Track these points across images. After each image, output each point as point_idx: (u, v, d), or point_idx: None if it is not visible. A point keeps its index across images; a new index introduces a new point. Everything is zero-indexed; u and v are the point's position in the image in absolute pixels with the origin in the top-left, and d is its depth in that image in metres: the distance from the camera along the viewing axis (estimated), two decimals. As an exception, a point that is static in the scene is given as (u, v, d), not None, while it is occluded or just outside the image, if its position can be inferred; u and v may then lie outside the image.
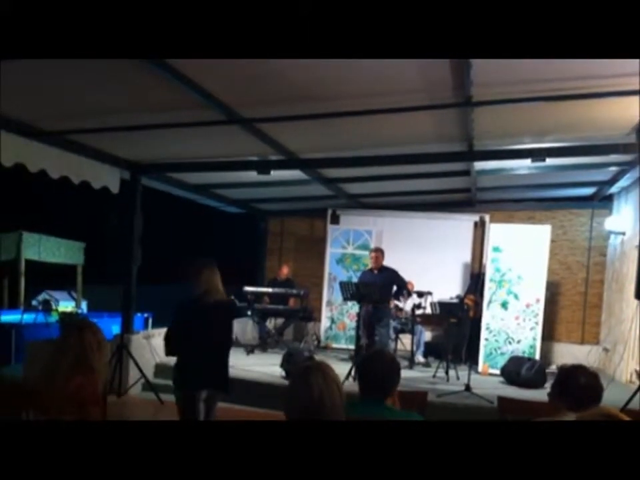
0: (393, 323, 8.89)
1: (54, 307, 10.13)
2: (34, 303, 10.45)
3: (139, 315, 9.56)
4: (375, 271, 8.35)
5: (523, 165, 7.29)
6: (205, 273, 4.30)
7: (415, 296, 8.59)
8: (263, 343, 9.52)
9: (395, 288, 8.36)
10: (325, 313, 10.50)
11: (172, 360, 8.06)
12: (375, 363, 2.70)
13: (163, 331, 8.22)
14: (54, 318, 9.54)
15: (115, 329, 7.83)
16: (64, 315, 9.29)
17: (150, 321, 10.42)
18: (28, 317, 9.92)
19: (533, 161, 6.26)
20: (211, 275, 4.32)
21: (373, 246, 10.05)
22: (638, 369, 7.37)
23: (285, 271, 10.38)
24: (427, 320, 9.17)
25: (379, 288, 7.75)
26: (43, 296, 10.51)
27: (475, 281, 9.21)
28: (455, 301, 9.10)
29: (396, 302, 8.73)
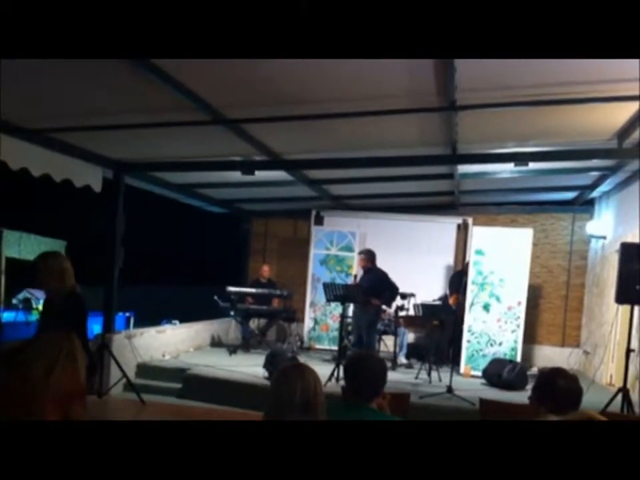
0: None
1: (34, 306, 10.03)
2: (14, 301, 10.34)
3: (120, 314, 9.50)
4: (362, 272, 8.42)
5: (505, 169, 7.35)
6: (57, 267, 4.17)
7: (398, 297, 8.62)
8: (246, 344, 9.51)
9: (385, 293, 8.37)
10: (309, 314, 10.51)
11: (153, 360, 8.08)
12: (363, 364, 2.70)
13: (145, 330, 8.27)
14: (34, 317, 9.44)
15: (97, 328, 7.77)
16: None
17: (132, 320, 10.37)
18: (8, 316, 9.82)
19: (515, 165, 6.31)
20: (63, 268, 4.20)
21: (356, 247, 10.12)
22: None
23: (266, 269, 10.38)
24: (409, 322, 9.21)
25: (362, 289, 7.78)
26: (23, 294, 10.39)
27: (459, 278, 9.22)
28: (438, 303, 9.15)
29: (383, 306, 8.71)
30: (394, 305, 8.74)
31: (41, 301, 10.69)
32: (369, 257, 8.48)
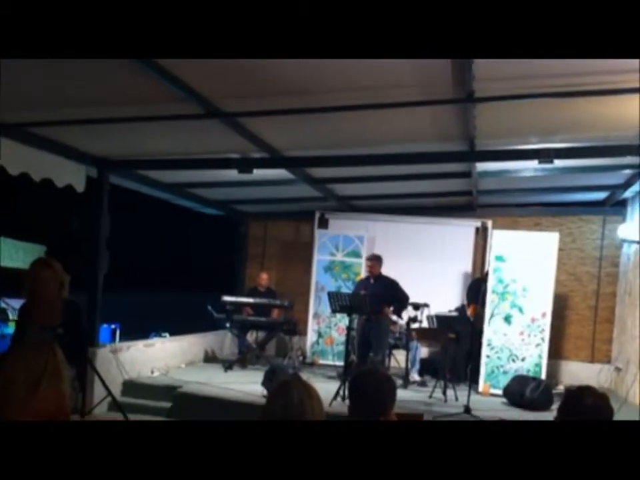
0: (385, 338, 8.91)
1: (11, 317, 10.04)
2: (-12, 312, 10.36)
3: (105, 326, 9.52)
4: (372, 280, 8.43)
5: (528, 167, 7.33)
6: (59, 275, 4.21)
7: (410, 308, 8.61)
8: (243, 359, 9.51)
9: (395, 302, 8.39)
10: (311, 326, 10.51)
11: (141, 376, 8.11)
12: (367, 381, 2.71)
13: (131, 343, 8.29)
14: (10, 329, 9.46)
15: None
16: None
17: (117, 332, 10.38)
18: (-18, 328, 9.84)
19: (539, 162, 6.30)
20: (64, 276, 4.25)
21: (364, 253, 10.10)
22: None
23: (264, 277, 10.38)
24: (423, 335, 9.18)
25: (370, 298, 7.79)
26: (-2, 304, 10.42)
27: (477, 287, 9.20)
28: (454, 314, 9.14)
29: (394, 317, 8.71)
30: (405, 316, 8.73)
31: (16, 311, 10.72)
32: (379, 262, 8.50)
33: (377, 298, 7.96)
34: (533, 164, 6.61)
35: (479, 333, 8.52)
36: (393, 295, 8.37)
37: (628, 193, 9.28)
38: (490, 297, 8.54)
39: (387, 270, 8.65)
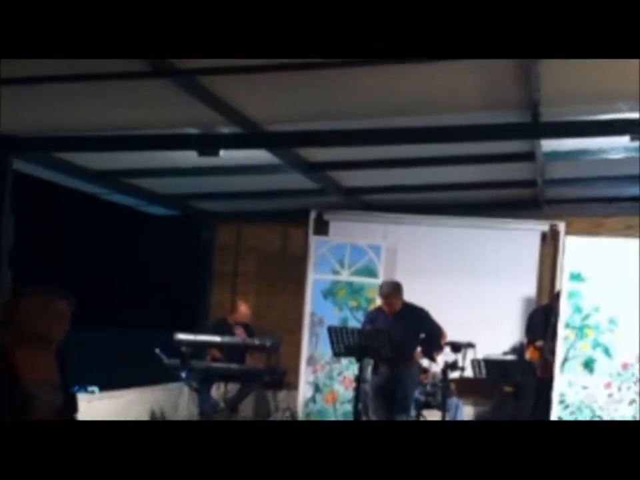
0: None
1: None
2: None
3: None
4: (390, 316, 8.41)
5: (616, 145, 7.36)
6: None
7: (447, 350, 8.62)
8: (206, 424, 9.52)
9: (422, 338, 8.42)
10: (305, 376, 10.51)
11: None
12: None
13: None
14: None
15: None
16: None
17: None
18: None
19: (632, 138, 6.33)
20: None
21: (381, 270, 10.07)
22: None
23: (244, 310, 10.36)
24: (466, 388, 9.21)
25: (392, 337, 7.78)
26: None
27: (543, 318, 9.22)
28: (511, 358, 9.15)
29: (427, 359, 8.73)
30: (441, 362, 8.74)
31: None
32: (399, 294, 8.48)
33: (401, 338, 7.96)
34: (623, 141, 6.64)
35: (547, 384, 8.52)
36: (426, 331, 8.39)
37: None
38: (563, 333, 8.54)
39: (414, 295, 8.65)
